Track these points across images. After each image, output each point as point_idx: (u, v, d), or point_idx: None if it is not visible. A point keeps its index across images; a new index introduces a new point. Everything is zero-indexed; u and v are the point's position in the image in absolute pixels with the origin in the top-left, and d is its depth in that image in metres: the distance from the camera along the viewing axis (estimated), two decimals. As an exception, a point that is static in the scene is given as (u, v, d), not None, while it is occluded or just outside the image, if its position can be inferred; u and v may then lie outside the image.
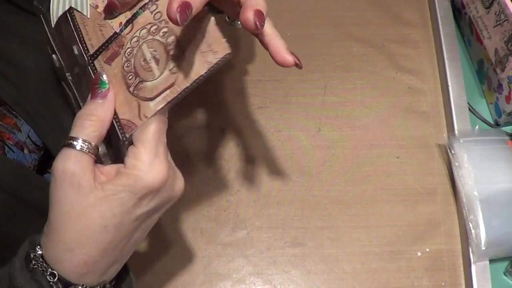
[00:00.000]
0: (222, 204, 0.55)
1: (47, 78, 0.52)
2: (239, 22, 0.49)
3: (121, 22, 0.37)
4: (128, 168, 0.34)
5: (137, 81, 0.36)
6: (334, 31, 0.64)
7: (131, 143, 0.35)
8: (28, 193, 0.48)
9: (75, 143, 0.35)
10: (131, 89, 0.36)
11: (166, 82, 0.35)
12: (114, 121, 0.36)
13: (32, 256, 0.36)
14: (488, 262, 0.51)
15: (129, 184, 0.34)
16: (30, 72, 0.50)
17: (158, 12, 0.36)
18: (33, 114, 0.50)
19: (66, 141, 0.35)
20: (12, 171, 0.46)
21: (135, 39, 0.36)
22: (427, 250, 0.54)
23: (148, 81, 0.35)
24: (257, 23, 0.35)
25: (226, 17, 0.50)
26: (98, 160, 0.37)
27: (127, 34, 0.37)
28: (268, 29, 0.38)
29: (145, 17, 0.36)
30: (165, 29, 0.35)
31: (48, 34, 0.42)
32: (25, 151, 0.49)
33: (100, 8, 0.38)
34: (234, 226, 0.55)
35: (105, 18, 0.38)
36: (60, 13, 0.40)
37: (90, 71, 0.38)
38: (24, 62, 0.50)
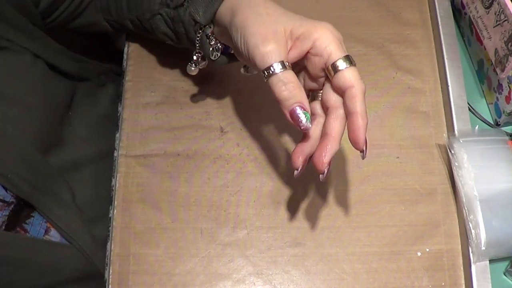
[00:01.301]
0: (222, 204, 0.55)
1: (26, 136, 0.51)
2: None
3: None
4: None
5: None
6: (334, 31, 0.64)
7: None
8: (3, 255, 0.48)
9: None
10: None
11: None
12: None
13: None
14: (488, 262, 0.51)
15: None
16: (6, 133, 0.49)
17: None
18: (11, 177, 0.48)
19: None
20: None
21: None
22: (427, 250, 0.54)
23: None
24: (363, 151, 0.42)
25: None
26: None
27: None
28: (358, 107, 0.41)
29: None
30: None
31: None
32: None
33: None
34: (234, 226, 0.55)
35: None
36: None
37: None
38: None
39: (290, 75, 0.41)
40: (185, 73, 0.61)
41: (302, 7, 0.64)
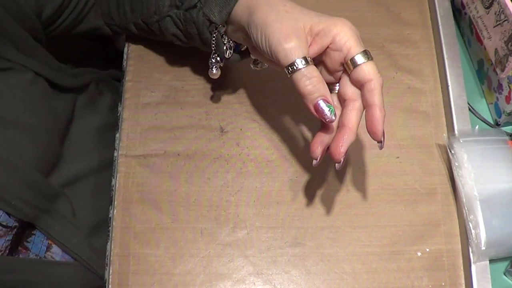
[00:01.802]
0: (222, 204, 0.55)
1: (29, 161, 0.51)
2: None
3: None
4: None
5: None
6: (334, 31, 0.64)
7: None
8: (3, 280, 0.48)
9: None
10: None
11: None
12: None
13: None
14: (488, 262, 0.51)
15: None
16: (9, 159, 0.49)
17: None
18: (15, 203, 0.49)
19: None
20: None
21: None
22: (427, 250, 0.54)
23: None
24: (381, 142, 0.44)
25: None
26: None
27: None
28: (377, 100, 0.43)
29: None
30: None
31: None
32: None
33: None
34: (234, 226, 0.55)
35: None
36: None
37: None
38: None
39: (313, 69, 0.42)
40: (185, 73, 0.61)
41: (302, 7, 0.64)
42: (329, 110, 0.42)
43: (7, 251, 0.49)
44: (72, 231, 0.55)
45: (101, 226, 0.58)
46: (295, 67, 0.42)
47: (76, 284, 0.55)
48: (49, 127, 0.54)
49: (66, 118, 0.59)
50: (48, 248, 0.54)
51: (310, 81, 0.42)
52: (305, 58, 0.42)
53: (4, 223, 0.48)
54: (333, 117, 0.43)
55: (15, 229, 0.50)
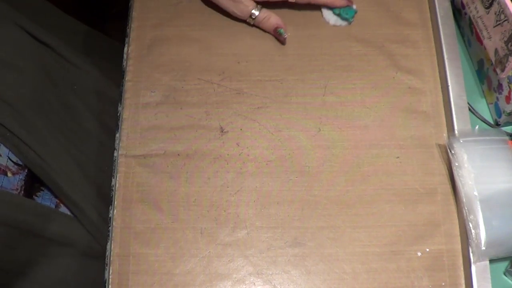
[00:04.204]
0: (222, 204, 0.55)
1: (24, 96, 0.51)
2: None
3: None
4: None
5: None
6: (334, 31, 0.64)
7: None
8: (22, 220, 0.48)
9: None
10: None
11: None
12: None
13: None
14: (488, 262, 0.51)
15: None
16: (3, 93, 0.50)
17: None
18: (9, 136, 0.49)
19: None
20: (2, 201, 0.47)
21: None
22: (427, 250, 0.54)
23: None
24: None
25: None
26: None
27: None
28: None
29: None
30: None
31: None
32: (9, 174, 0.49)
33: None
34: (234, 226, 0.55)
35: None
36: None
37: None
38: None
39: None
40: (185, 73, 0.61)
41: (302, 7, 0.64)
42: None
43: (22, 192, 0.50)
44: (80, 196, 0.56)
45: (106, 174, 0.58)
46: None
47: (81, 244, 0.56)
48: (39, 72, 0.55)
49: (57, 72, 0.60)
50: (57, 207, 0.54)
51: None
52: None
53: (13, 159, 0.49)
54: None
55: (26, 170, 0.50)
